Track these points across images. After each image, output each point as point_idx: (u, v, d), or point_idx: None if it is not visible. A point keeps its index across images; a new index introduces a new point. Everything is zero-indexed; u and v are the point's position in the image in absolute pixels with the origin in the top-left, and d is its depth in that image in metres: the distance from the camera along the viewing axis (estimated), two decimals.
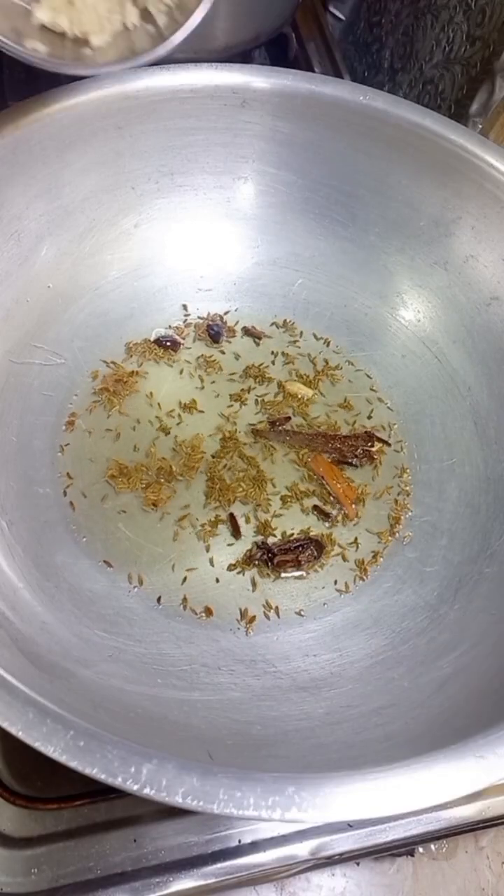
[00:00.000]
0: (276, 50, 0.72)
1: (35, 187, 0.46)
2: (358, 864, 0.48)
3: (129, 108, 0.48)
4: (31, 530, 0.43)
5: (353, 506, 0.48)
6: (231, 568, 0.45)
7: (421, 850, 0.49)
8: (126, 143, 0.49)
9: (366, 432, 0.52)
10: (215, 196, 0.54)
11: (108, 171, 0.50)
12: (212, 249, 0.55)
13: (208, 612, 0.44)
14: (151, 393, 0.52)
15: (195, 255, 0.55)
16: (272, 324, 0.56)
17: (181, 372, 0.53)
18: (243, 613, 0.44)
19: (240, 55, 0.62)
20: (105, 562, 0.44)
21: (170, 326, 0.54)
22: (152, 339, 0.53)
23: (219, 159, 0.53)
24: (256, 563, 0.45)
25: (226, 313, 0.56)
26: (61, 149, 0.46)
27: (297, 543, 0.46)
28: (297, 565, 0.46)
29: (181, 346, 0.54)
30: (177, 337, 0.54)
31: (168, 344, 0.53)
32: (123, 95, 0.47)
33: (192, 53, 0.58)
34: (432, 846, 0.50)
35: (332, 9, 0.80)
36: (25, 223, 0.46)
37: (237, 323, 0.55)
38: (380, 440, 0.51)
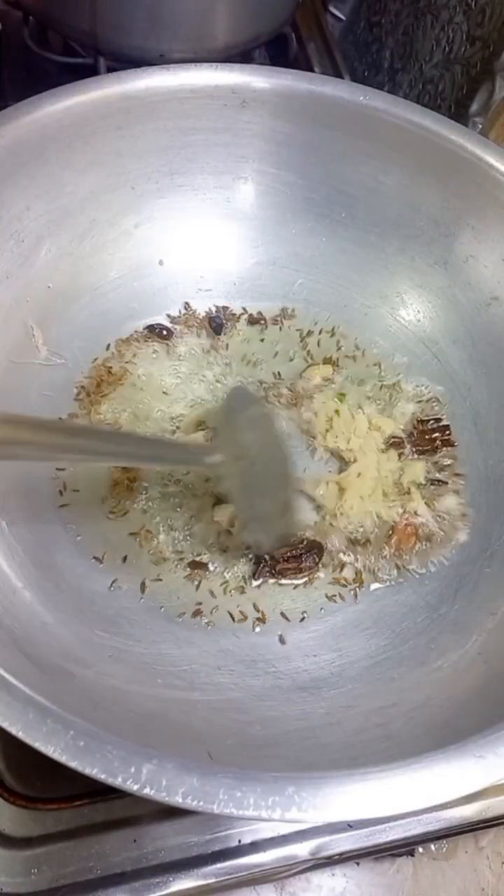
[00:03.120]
0: (275, 50, 0.72)
1: (35, 187, 0.46)
2: (358, 864, 0.48)
3: (129, 109, 0.48)
4: (31, 530, 0.43)
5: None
6: (228, 570, 0.45)
7: (421, 850, 0.49)
8: (126, 143, 0.49)
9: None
10: (215, 196, 0.54)
11: (108, 171, 0.50)
12: (212, 249, 0.55)
13: (208, 613, 0.44)
14: (144, 388, 0.51)
15: (195, 255, 0.55)
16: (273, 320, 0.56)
17: (181, 364, 0.53)
18: (243, 615, 0.44)
19: (240, 55, 0.62)
20: (101, 560, 0.44)
21: (170, 317, 0.54)
22: (143, 327, 0.53)
23: (219, 159, 0.53)
24: (263, 577, 0.45)
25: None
26: (61, 149, 0.46)
27: (299, 551, 0.46)
28: (299, 572, 0.46)
29: (174, 335, 0.53)
30: (169, 325, 0.54)
31: (162, 332, 0.53)
32: (123, 96, 0.47)
33: (192, 53, 0.58)
34: (432, 846, 0.50)
35: (332, 9, 0.80)
36: (25, 223, 0.46)
37: (242, 312, 0.55)
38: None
